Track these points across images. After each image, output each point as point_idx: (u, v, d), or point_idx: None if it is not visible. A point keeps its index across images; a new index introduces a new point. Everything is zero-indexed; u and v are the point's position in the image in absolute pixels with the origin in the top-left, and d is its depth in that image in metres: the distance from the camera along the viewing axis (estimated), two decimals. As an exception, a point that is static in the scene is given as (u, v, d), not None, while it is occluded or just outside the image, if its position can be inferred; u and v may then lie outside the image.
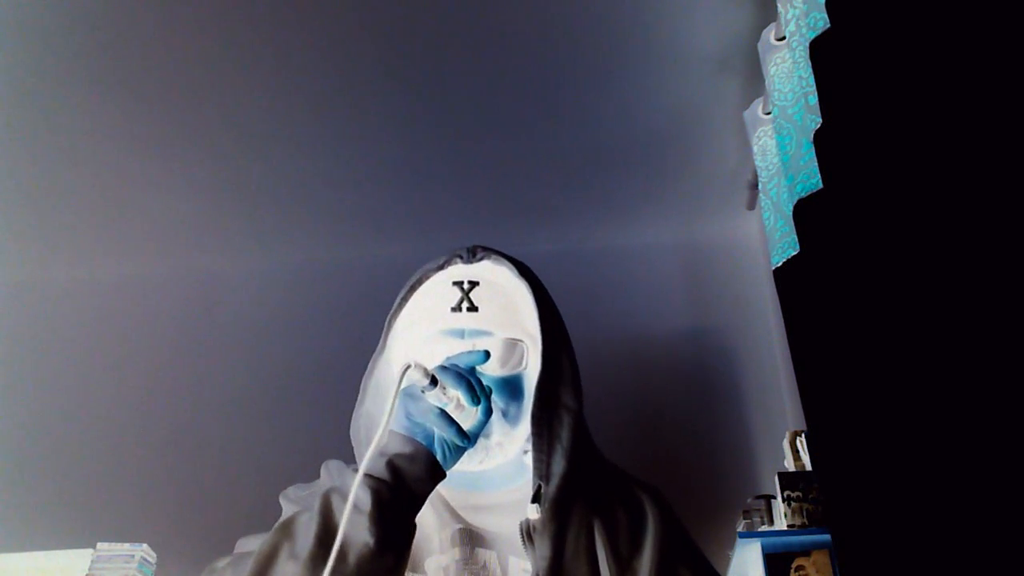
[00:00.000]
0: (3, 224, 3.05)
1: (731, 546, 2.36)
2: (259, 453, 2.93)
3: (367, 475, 0.86)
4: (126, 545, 2.31)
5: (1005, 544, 1.20)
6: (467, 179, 2.95)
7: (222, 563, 0.90)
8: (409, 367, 0.86)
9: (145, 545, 2.35)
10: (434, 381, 0.88)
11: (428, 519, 1.00)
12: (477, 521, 1.00)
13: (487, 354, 0.95)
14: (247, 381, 3.11)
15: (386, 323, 1.04)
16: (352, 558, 0.82)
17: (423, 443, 0.90)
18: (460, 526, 1.00)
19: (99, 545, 2.28)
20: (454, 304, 0.99)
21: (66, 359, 3.18)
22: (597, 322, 3.05)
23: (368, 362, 1.04)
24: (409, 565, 0.94)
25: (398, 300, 1.04)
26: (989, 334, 1.25)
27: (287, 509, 0.99)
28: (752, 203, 2.95)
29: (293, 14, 2.24)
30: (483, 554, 0.98)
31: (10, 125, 2.59)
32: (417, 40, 2.35)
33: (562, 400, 0.98)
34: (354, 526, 0.83)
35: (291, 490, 1.02)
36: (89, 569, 2.24)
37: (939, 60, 1.39)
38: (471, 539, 0.99)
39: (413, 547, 0.94)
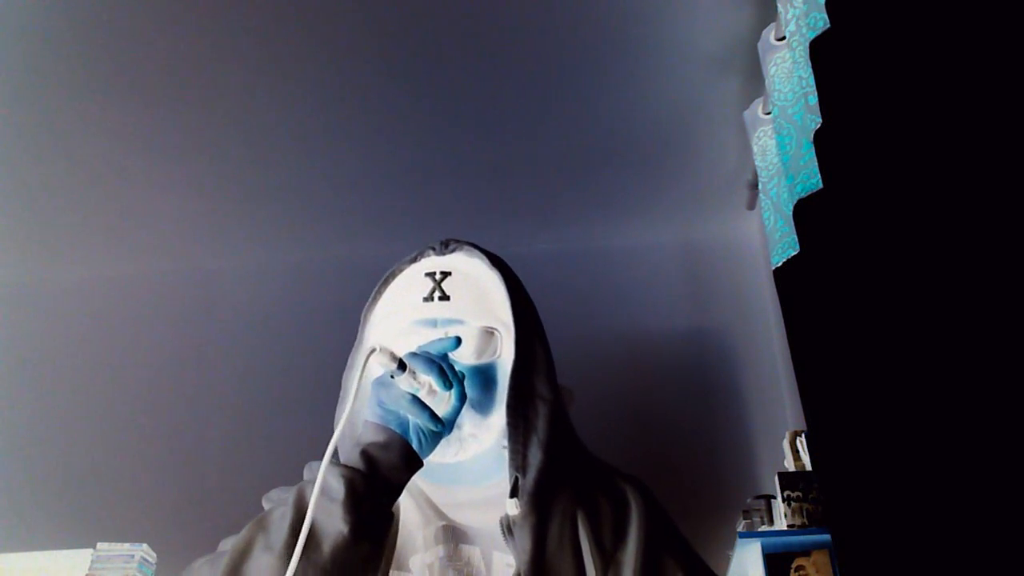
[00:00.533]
0: (3, 224, 3.05)
1: (731, 546, 2.36)
2: (259, 452, 2.93)
3: (342, 465, 0.86)
4: (126, 545, 2.31)
5: (1005, 544, 1.20)
6: (467, 179, 2.95)
7: (199, 562, 0.90)
8: (374, 350, 0.86)
9: (145, 545, 2.35)
10: (402, 366, 0.88)
11: (412, 517, 1.00)
12: (460, 517, 1.00)
13: (458, 340, 0.95)
14: (247, 380, 3.11)
15: (362, 317, 1.04)
16: (327, 547, 0.82)
17: (397, 431, 0.89)
18: (443, 523, 1.00)
19: (99, 545, 2.28)
20: (426, 294, 0.99)
21: (66, 359, 3.18)
22: (597, 322, 3.05)
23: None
24: (394, 563, 0.94)
25: (372, 294, 1.04)
26: (989, 334, 1.25)
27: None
28: (752, 203, 2.94)
29: (292, 14, 2.24)
30: (467, 550, 0.98)
31: (10, 125, 2.59)
32: (417, 39, 2.35)
33: (537, 390, 0.98)
34: (329, 515, 0.83)
35: (273, 492, 1.02)
36: (89, 569, 2.24)
37: (939, 60, 1.39)
38: (454, 536, 0.98)
39: (398, 545, 0.95)
